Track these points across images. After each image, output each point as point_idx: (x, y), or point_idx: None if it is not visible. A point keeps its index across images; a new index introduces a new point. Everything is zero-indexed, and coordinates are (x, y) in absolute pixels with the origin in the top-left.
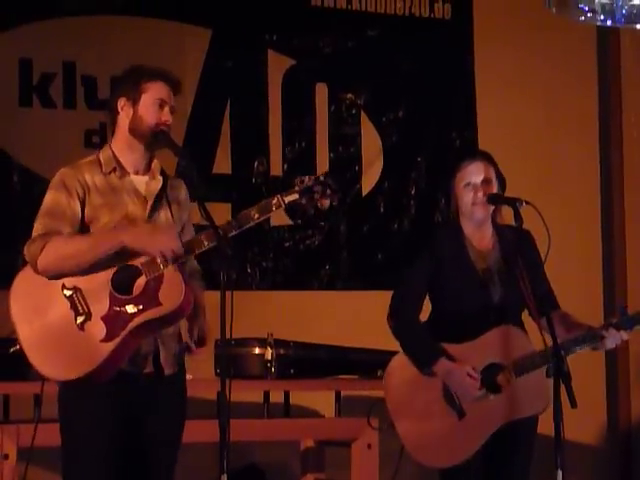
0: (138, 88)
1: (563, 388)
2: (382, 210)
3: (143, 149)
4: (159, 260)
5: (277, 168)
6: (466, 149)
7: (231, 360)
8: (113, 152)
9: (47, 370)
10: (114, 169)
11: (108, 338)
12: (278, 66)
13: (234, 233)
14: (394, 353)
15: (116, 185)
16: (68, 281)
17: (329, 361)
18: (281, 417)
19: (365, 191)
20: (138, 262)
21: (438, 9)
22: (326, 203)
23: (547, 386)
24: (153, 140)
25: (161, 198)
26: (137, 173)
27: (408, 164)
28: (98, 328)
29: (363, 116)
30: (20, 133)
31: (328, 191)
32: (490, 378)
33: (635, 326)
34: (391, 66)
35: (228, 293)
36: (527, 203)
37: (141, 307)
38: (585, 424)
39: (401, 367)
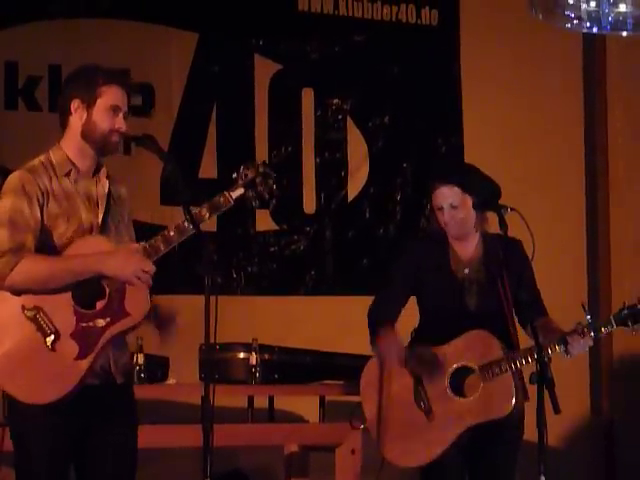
0: (94, 92)
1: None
2: (368, 215)
3: (93, 154)
4: (135, 283)
5: None
6: (441, 170)
7: (215, 365)
8: (67, 154)
9: (24, 395)
10: (69, 172)
11: (82, 355)
12: (265, 71)
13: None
14: None
15: (70, 191)
16: (27, 301)
17: (313, 366)
18: (265, 422)
19: (351, 196)
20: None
21: (425, 15)
22: (267, 194)
23: (512, 390)
24: (106, 145)
25: (109, 202)
26: (87, 176)
27: (394, 169)
28: (69, 346)
29: (349, 121)
30: (5, 136)
31: (270, 181)
32: (458, 381)
33: (598, 333)
34: (378, 72)
35: (213, 298)
36: (512, 209)
37: (109, 319)
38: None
39: (374, 368)
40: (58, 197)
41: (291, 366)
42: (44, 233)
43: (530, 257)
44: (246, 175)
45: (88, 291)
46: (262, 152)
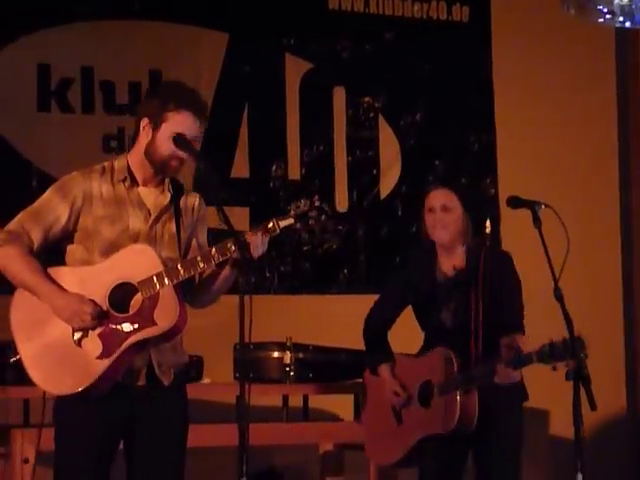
0: (161, 115)
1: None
2: (400, 213)
3: (153, 172)
4: (74, 326)
5: (295, 172)
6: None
7: (250, 364)
8: (128, 163)
9: (47, 386)
10: (124, 179)
11: (104, 355)
12: (296, 70)
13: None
14: None
15: (122, 196)
16: None
17: (348, 364)
18: (300, 421)
19: (383, 194)
20: (135, 280)
21: (456, 12)
22: (317, 228)
23: (455, 409)
24: (165, 168)
25: (167, 211)
26: (146, 185)
27: (426, 167)
28: (94, 345)
29: (381, 119)
30: (39, 138)
31: (323, 216)
32: (425, 393)
33: (523, 365)
34: (409, 69)
35: (247, 297)
36: (546, 206)
37: (137, 326)
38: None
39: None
40: (107, 200)
41: (325, 364)
42: (87, 235)
43: (564, 254)
44: (298, 207)
45: (124, 294)
46: (294, 151)
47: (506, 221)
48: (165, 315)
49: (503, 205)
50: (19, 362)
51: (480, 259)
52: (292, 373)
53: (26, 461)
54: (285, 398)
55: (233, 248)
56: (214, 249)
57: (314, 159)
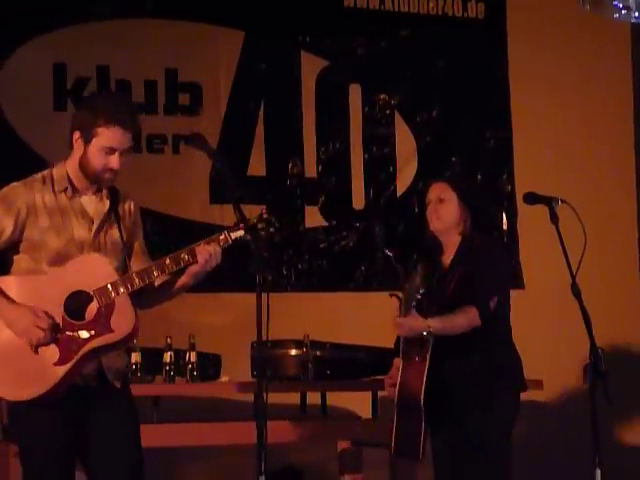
0: (91, 130)
1: None
2: (416, 210)
3: (89, 181)
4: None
5: (311, 169)
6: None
7: (267, 362)
8: (67, 172)
9: (3, 392)
10: (65, 189)
11: (61, 362)
12: (311, 67)
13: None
14: None
15: (64, 206)
16: (20, 302)
17: (365, 362)
18: (318, 418)
19: (400, 191)
20: (89, 289)
21: (471, 8)
22: (265, 239)
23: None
24: (99, 181)
25: (108, 218)
26: (86, 193)
27: (442, 164)
28: (51, 351)
29: (397, 116)
30: (55, 137)
31: (271, 229)
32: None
33: (409, 304)
34: (425, 66)
35: (264, 295)
36: (562, 202)
37: (93, 333)
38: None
39: None
40: (50, 211)
41: (343, 362)
42: (34, 246)
43: (581, 250)
44: (249, 220)
45: (80, 302)
46: (310, 149)
47: (523, 217)
48: (122, 322)
49: (520, 201)
50: None
51: (469, 248)
52: (310, 371)
53: None
54: (303, 396)
55: (187, 258)
56: (168, 259)
57: (330, 156)
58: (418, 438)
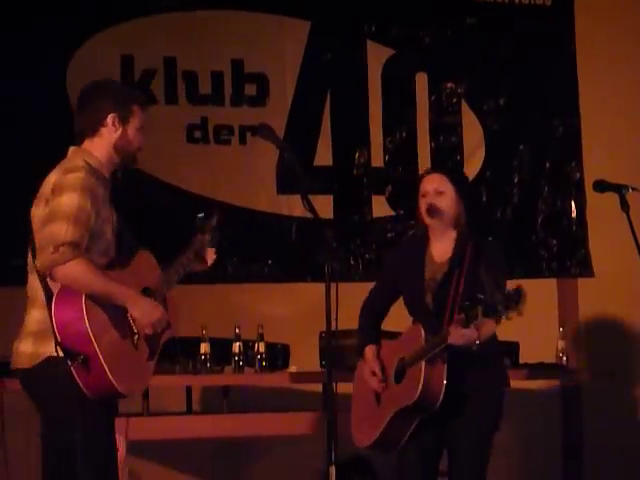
0: (130, 110)
1: None
2: (484, 199)
3: (118, 165)
4: (147, 332)
5: (378, 159)
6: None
7: (336, 352)
8: (100, 161)
9: (122, 385)
10: (103, 178)
11: (151, 357)
12: (377, 56)
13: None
14: None
15: (107, 196)
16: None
17: None
18: None
19: None
20: (150, 285)
21: None
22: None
23: (419, 377)
24: (133, 160)
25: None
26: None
27: (510, 152)
28: (144, 347)
29: (464, 105)
30: None
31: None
32: (399, 370)
33: (469, 321)
34: (491, 54)
35: (333, 285)
36: (633, 189)
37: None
38: None
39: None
40: (103, 201)
41: None
42: (97, 238)
43: None
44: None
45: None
46: (377, 138)
47: (592, 205)
48: (174, 319)
49: (589, 189)
50: (84, 362)
51: (468, 245)
52: None
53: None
54: None
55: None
56: (188, 253)
57: (397, 146)
58: (404, 436)
